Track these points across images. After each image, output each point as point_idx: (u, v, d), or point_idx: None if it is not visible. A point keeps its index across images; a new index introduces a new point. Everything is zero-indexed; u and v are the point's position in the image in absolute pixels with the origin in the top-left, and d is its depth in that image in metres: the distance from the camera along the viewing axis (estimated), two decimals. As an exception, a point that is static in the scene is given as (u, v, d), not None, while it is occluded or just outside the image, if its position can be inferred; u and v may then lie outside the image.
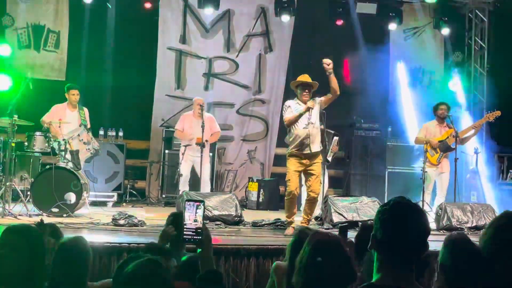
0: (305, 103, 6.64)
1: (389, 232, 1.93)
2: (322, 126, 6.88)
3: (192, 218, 2.37)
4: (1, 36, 9.72)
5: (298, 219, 7.03)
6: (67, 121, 7.83)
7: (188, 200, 2.41)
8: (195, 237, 2.37)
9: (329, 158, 8.34)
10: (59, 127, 7.55)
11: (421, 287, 1.93)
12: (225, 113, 10.87)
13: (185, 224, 2.37)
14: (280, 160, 10.61)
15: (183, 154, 8.35)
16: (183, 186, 8.34)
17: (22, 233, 2.51)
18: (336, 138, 8.28)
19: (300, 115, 6.58)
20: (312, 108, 6.60)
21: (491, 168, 10.93)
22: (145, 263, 1.98)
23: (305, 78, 6.80)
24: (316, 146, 6.67)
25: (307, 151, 6.62)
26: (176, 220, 3.78)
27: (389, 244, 1.92)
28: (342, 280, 2.20)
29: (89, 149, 7.75)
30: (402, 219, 1.93)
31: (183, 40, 10.70)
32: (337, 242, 2.33)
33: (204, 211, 2.39)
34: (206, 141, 8.31)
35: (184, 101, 10.57)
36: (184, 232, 2.34)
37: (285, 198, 6.78)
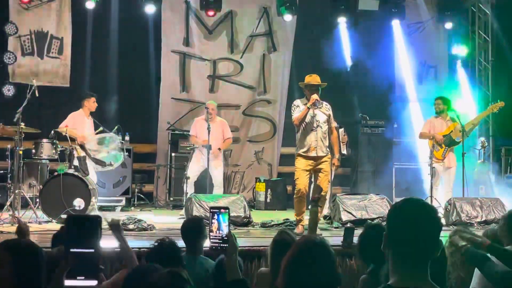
0: None
1: (401, 231, 1.92)
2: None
3: (216, 225, 2.34)
4: (5, 43, 9.76)
5: (307, 217, 7.05)
6: (85, 129, 8.02)
7: (213, 208, 2.39)
8: (222, 244, 2.34)
9: (344, 151, 8.36)
10: (65, 134, 7.61)
11: (437, 287, 1.91)
12: (231, 115, 10.84)
13: (211, 232, 2.33)
14: (286, 160, 10.62)
15: (195, 156, 8.38)
16: (190, 188, 8.35)
17: (10, 249, 2.37)
18: (340, 130, 8.32)
19: (308, 109, 6.66)
20: (318, 101, 6.65)
21: (499, 161, 10.90)
22: (166, 274, 1.98)
23: (314, 79, 6.84)
24: (322, 150, 6.76)
25: (313, 154, 6.71)
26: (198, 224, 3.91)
27: (401, 243, 1.91)
28: (326, 284, 2.19)
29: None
30: (413, 217, 1.92)
31: (186, 42, 10.70)
32: (324, 245, 2.32)
33: (229, 218, 2.34)
34: (219, 149, 8.40)
35: (190, 104, 10.58)
36: (211, 240, 2.31)
37: (294, 196, 6.84)
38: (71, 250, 1.75)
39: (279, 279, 2.25)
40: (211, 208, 2.38)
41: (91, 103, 8.24)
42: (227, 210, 2.34)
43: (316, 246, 2.30)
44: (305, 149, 6.72)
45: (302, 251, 2.26)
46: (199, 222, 4.18)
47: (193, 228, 4.03)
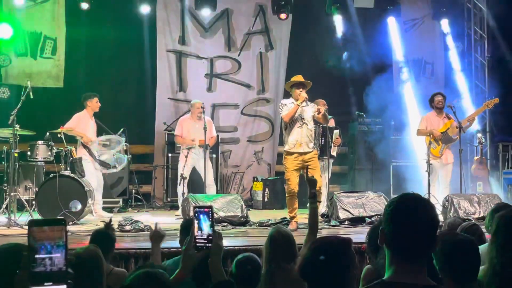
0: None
1: (397, 226, 1.90)
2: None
3: (202, 225, 2.31)
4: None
5: (301, 216, 7.16)
6: (90, 130, 8.03)
7: (197, 207, 2.36)
8: (207, 244, 2.31)
9: (334, 153, 8.35)
10: (61, 135, 7.58)
11: (433, 283, 1.89)
12: (229, 114, 10.76)
13: (198, 231, 2.30)
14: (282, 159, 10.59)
15: (186, 156, 8.30)
16: (184, 189, 8.30)
17: None
18: (336, 131, 8.32)
19: (298, 106, 6.84)
20: (307, 98, 6.86)
21: (496, 157, 10.89)
22: (142, 275, 1.94)
23: (298, 78, 7.06)
24: (309, 146, 6.94)
25: (300, 150, 6.89)
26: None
27: (397, 238, 1.89)
28: (340, 284, 2.18)
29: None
30: (409, 212, 1.90)
31: (182, 41, 10.64)
32: (345, 245, 2.30)
33: (213, 217, 2.31)
34: (208, 145, 8.36)
35: (187, 104, 10.50)
36: (197, 240, 2.28)
37: (286, 195, 7.01)
38: (36, 256, 1.69)
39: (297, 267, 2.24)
40: (196, 207, 2.35)
41: (94, 103, 8.22)
42: (210, 209, 2.31)
43: (335, 245, 2.28)
44: (291, 145, 6.89)
45: (319, 250, 2.24)
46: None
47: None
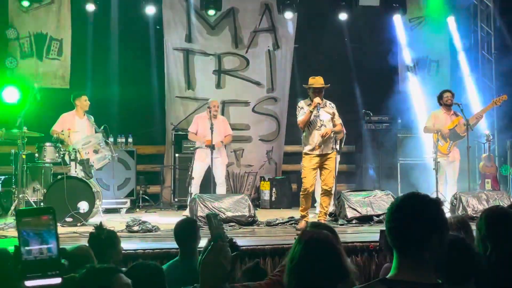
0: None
1: (398, 225, 1.90)
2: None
3: None
4: (4, 47, 9.74)
5: (311, 216, 7.29)
6: (77, 129, 7.88)
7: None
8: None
9: (337, 146, 8.33)
10: (69, 136, 7.58)
11: (436, 281, 1.86)
12: (240, 112, 10.69)
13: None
14: (290, 158, 10.59)
15: (198, 155, 8.31)
16: (195, 189, 8.30)
17: None
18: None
19: (311, 113, 6.77)
20: (320, 104, 6.78)
21: (504, 154, 10.83)
22: (94, 270, 1.92)
23: (317, 81, 6.93)
24: (328, 148, 6.87)
25: (319, 152, 6.82)
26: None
27: (400, 237, 1.88)
28: (333, 278, 2.17)
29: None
30: (410, 213, 1.88)
31: (189, 39, 10.60)
32: (329, 239, 2.30)
33: (210, 224, 2.29)
34: (222, 142, 8.35)
35: (196, 102, 10.48)
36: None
37: (300, 193, 6.95)
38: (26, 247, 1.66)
39: (286, 278, 2.22)
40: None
41: (82, 102, 8.12)
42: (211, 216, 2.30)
43: (321, 240, 2.27)
44: (310, 148, 6.83)
45: (308, 246, 2.24)
46: (192, 223, 4.14)
47: (186, 230, 3.98)
